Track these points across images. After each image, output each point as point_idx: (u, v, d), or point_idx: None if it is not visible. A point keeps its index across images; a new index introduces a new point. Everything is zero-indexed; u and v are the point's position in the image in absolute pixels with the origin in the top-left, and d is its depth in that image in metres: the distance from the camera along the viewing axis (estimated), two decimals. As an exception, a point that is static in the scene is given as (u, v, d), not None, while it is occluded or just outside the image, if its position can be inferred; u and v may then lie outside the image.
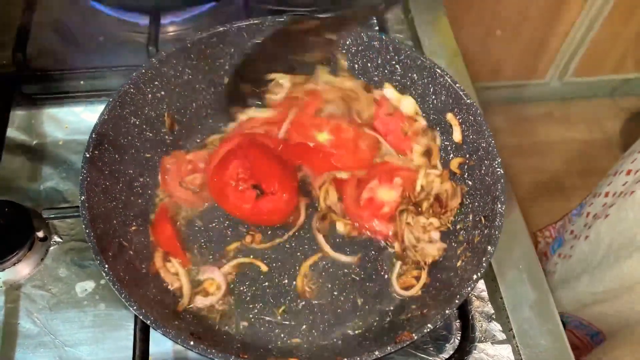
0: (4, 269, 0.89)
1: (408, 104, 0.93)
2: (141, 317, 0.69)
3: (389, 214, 0.89)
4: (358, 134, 0.95)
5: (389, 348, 0.69)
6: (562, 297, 1.33)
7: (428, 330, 0.70)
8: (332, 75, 0.98)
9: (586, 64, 2.74)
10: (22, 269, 0.90)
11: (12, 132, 1.03)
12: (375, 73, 0.97)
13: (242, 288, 0.86)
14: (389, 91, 0.95)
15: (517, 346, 0.88)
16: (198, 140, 0.98)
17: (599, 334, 1.34)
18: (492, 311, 0.89)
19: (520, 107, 2.97)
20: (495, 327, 0.88)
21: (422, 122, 0.92)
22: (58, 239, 0.94)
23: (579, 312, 1.34)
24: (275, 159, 0.91)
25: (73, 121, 1.07)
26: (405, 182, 0.90)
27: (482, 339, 0.87)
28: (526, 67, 2.77)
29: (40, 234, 0.92)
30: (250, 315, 0.83)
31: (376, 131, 0.96)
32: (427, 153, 0.93)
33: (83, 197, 0.76)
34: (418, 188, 0.89)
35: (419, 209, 0.89)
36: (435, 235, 0.87)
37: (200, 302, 0.83)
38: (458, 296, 0.72)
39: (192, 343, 0.68)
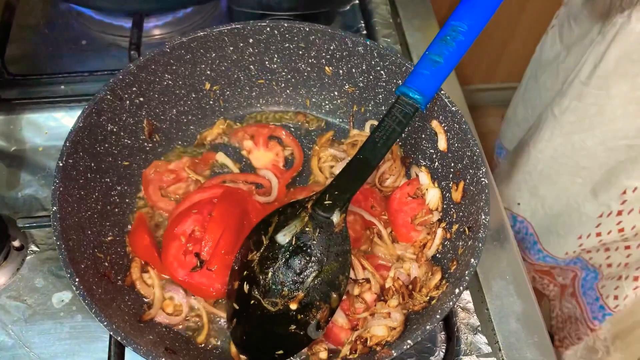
0: (-22, 280, 0.87)
1: (434, 195, 0.89)
2: (112, 332, 0.67)
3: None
4: (355, 217, 0.89)
5: (367, 365, 0.67)
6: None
7: (408, 346, 0.68)
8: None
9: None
10: (-4, 279, 0.88)
11: (-11, 138, 1.01)
12: (360, 79, 0.95)
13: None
14: (423, 176, 0.92)
15: (503, 359, 0.86)
16: (179, 147, 0.96)
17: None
18: (478, 323, 0.87)
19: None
20: (481, 339, 0.86)
21: (436, 217, 0.88)
22: (35, 248, 0.92)
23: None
24: (237, 229, 0.84)
25: (53, 127, 1.05)
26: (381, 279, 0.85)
27: (468, 351, 0.85)
28: (520, 69, 2.75)
29: (16, 243, 0.90)
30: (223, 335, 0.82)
31: (389, 206, 0.92)
32: (422, 244, 0.89)
33: (55, 207, 0.74)
34: (388, 284, 0.83)
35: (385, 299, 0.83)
36: (395, 315, 0.79)
37: (162, 318, 0.81)
38: (440, 311, 0.70)
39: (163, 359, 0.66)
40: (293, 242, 0.78)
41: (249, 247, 0.80)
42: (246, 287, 0.78)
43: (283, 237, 0.79)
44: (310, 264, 0.77)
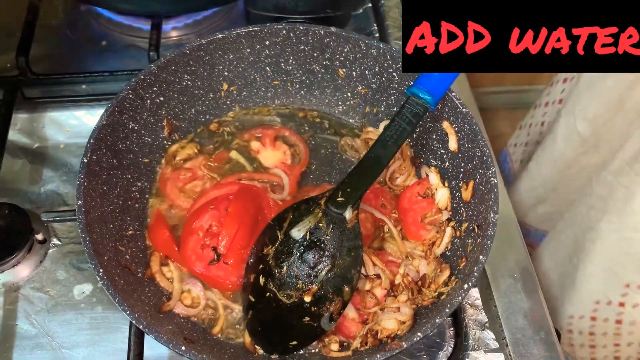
0: (3, 271, 0.90)
1: (443, 195, 0.91)
2: (134, 321, 0.70)
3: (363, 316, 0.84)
4: (366, 215, 0.91)
5: (378, 356, 0.69)
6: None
7: (418, 339, 0.70)
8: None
9: (591, 70, 2.73)
10: (21, 271, 0.91)
11: (14, 135, 1.05)
12: (373, 81, 0.98)
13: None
14: (432, 176, 0.94)
15: (510, 355, 0.88)
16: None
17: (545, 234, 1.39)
18: (486, 319, 0.90)
19: (525, 112, 2.96)
20: (489, 335, 0.88)
21: (445, 217, 0.90)
22: (57, 242, 0.95)
23: (525, 218, 1.43)
24: (252, 225, 0.86)
25: (74, 125, 1.09)
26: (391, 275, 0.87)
27: (475, 347, 0.87)
28: (530, 73, 2.77)
29: (39, 237, 0.93)
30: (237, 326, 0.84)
31: (399, 204, 0.94)
32: (431, 242, 0.90)
33: (80, 201, 0.77)
34: (398, 281, 0.85)
35: (395, 295, 0.85)
36: (405, 309, 0.81)
37: (180, 309, 0.83)
38: (449, 305, 0.72)
39: (183, 348, 0.68)
40: (307, 237, 0.81)
41: (264, 242, 0.83)
42: (262, 280, 0.81)
43: (297, 232, 0.81)
44: (323, 258, 0.80)
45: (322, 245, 0.81)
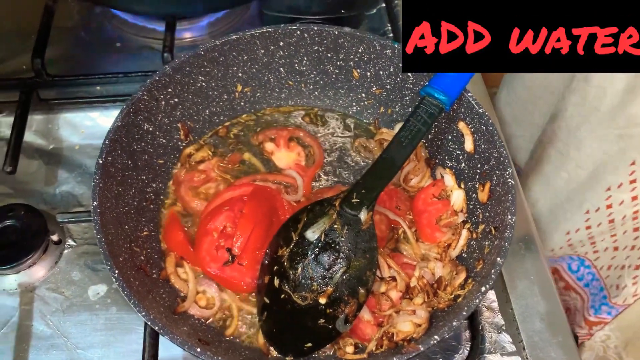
0: (19, 272, 0.90)
1: (458, 197, 0.91)
2: (149, 322, 0.70)
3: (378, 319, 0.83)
4: (381, 216, 0.90)
5: (394, 359, 0.69)
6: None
7: (435, 342, 0.70)
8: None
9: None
10: (36, 272, 0.92)
11: (29, 136, 1.05)
12: (388, 81, 0.97)
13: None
14: (448, 178, 0.93)
15: (527, 358, 0.87)
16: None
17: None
18: (503, 322, 0.89)
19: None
20: (505, 338, 0.87)
21: (460, 219, 0.89)
22: (72, 243, 0.96)
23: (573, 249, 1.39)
24: (267, 226, 0.86)
25: (89, 126, 1.09)
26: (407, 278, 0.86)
27: (492, 350, 0.86)
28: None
29: (54, 238, 0.94)
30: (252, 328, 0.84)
31: (414, 206, 0.93)
32: (447, 244, 0.90)
33: (95, 202, 0.77)
34: (413, 283, 0.84)
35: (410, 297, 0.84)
36: (420, 312, 0.80)
37: (195, 311, 0.83)
38: (466, 308, 0.71)
39: (198, 350, 0.68)
40: (322, 239, 0.81)
41: (278, 243, 0.83)
42: (277, 282, 0.80)
43: (312, 234, 0.81)
44: (338, 260, 0.80)
45: (337, 246, 0.80)
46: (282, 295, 0.80)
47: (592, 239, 1.28)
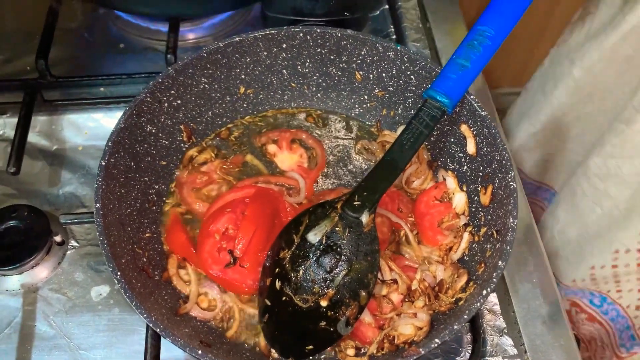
0: (22, 272, 0.91)
1: (460, 200, 0.91)
2: (151, 324, 0.70)
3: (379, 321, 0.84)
4: (382, 219, 0.90)
5: (395, 362, 0.69)
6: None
7: (436, 345, 0.70)
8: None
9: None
10: (39, 273, 0.92)
11: (33, 137, 1.06)
12: (390, 83, 0.97)
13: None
14: (450, 180, 0.93)
15: (529, 361, 0.87)
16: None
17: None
18: (504, 325, 0.88)
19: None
20: (507, 341, 0.87)
21: (462, 222, 0.89)
22: (75, 244, 0.96)
23: (522, 166, 1.45)
24: (269, 228, 0.86)
25: (92, 127, 1.09)
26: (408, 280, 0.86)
27: (493, 353, 0.86)
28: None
29: (57, 238, 0.94)
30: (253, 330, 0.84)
31: (416, 208, 0.94)
32: (448, 247, 0.90)
33: (98, 204, 0.77)
34: (414, 286, 0.85)
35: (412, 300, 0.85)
36: (422, 315, 0.81)
37: (197, 312, 0.84)
38: (467, 311, 0.71)
39: (199, 352, 0.68)
40: (323, 241, 0.81)
41: (280, 245, 0.83)
42: (278, 284, 0.81)
43: (314, 236, 0.81)
44: (340, 263, 0.80)
45: (339, 249, 0.80)
46: (284, 298, 0.80)
47: (617, 277, 1.28)
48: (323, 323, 0.78)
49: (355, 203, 0.81)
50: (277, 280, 0.81)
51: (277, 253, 0.83)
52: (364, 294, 0.79)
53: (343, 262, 0.80)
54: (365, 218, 0.80)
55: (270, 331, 0.81)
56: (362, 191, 0.81)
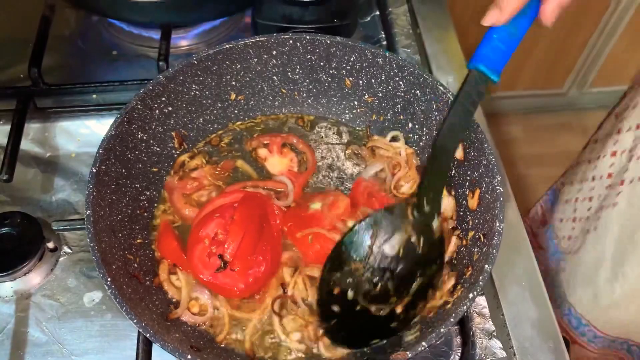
0: (15, 279, 0.91)
1: (448, 204, 0.92)
2: (141, 330, 0.71)
3: None
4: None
5: (383, 365, 0.70)
6: (582, 297, 1.31)
7: (423, 348, 0.70)
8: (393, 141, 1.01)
9: (605, 75, 2.71)
10: (32, 279, 0.92)
11: (26, 145, 1.06)
12: (380, 89, 0.98)
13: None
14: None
15: (518, 364, 0.88)
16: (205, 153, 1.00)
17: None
18: (493, 328, 0.89)
19: (538, 117, 2.95)
20: (496, 344, 0.88)
21: (450, 226, 0.91)
22: (68, 250, 0.97)
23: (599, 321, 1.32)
24: (257, 231, 0.87)
25: (85, 134, 1.10)
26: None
27: (483, 356, 0.87)
28: (543, 77, 2.75)
29: (50, 245, 0.95)
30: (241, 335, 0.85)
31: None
32: None
33: (89, 211, 0.78)
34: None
35: None
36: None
37: (188, 317, 0.84)
38: (454, 315, 0.72)
39: (189, 357, 0.69)
40: (400, 253, 0.83)
41: (347, 256, 0.84)
42: (351, 294, 0.82)
43: (391, 249, 0.83)
44: (416, 274, 0.82)
45: (415, 260, 0.82)
46: (358, 307, 0.82)
47: None
48: (395, 324, 0.81)
49: (425, 209, 0.83)
50: (349, 290, 0.82)
51: (340, 264, 0.83)
52: (432, 294, 0.81)
53: (419, 272, 0.82)
54: (435, 223, 0.83)
55: (338, 335, 0.82)
56: (429, 192, 0.83)
